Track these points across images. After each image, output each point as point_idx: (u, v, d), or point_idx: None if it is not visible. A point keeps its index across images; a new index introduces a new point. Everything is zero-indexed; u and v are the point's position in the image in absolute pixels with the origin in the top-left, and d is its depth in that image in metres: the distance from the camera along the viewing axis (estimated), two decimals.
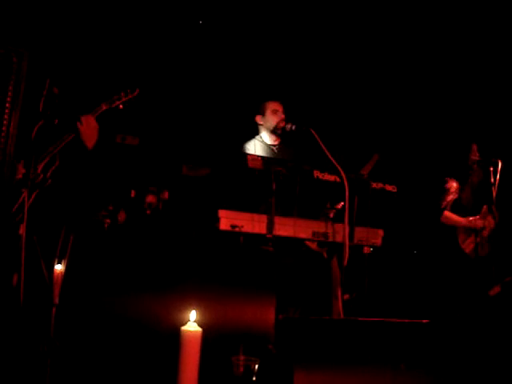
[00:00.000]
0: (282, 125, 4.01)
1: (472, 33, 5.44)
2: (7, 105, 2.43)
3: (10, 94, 2.44)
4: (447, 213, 4.78)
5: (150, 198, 5.09)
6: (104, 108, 3.55)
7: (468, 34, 5.46)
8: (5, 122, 2.41)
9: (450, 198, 4.89)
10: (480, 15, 5.28)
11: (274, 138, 4.19)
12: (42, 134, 3.09)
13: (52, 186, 3.40)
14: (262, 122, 4.21)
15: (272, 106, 4.18)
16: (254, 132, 4.28)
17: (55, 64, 3.55)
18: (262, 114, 4.20)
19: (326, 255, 3.55)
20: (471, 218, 4.77)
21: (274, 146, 4.19)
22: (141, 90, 3.76)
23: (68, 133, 3.44)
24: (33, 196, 3.32)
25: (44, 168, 3.39)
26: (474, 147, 4.85)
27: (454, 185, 4.90)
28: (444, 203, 4.84)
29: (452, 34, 5.48)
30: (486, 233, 4.74)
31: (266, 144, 4.17)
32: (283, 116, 4.12)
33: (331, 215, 3.69)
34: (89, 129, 3.46)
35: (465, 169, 4.89)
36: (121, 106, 3.56)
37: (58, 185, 3.43)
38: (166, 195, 4.88)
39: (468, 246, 4.76)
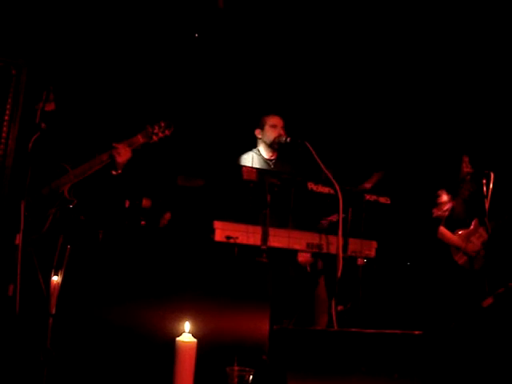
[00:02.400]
0: (278, 139, 4.00)
1: (464, 47, 5.51)
2: (6, 117, 2.44)
3: (8, 106, 2.46)
4: (442, 229, 4.83)
5: (168, 216, 5.14)
6: (141, 141, 3.48)
7: (460, 48, 5.52)
8: (3, 135, 2.42)
9: (445, 208, 4.94)
10: (470, 28, 5.35)
11: (271, 152, 4.19)
12: (39, 146, 3.09)
13: (76, 206, 3.35)
14: (260, 136, 4.20)
15: (271, 120, 4.16)
16: (251, 145, 4.29)
17: (54, 76, 3.55)
18: (261, 127, 4.19)
19: (309, 269, 3.55)
20: (461, 232, 4.83)
21: (271, 160, 4.20)
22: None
23: (106, 155, 3.38)
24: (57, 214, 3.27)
25: (70, 189, 3.33)
26: (466, 159, 4.90)
27: (445, 197, 4.95)
28: (437, 214, 4.89)
29: (444, 48, 5.55)
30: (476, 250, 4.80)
31: (262, 158, 4.18)
32: (282, 132, 4.10)
33: (325, 225, 3.72)
34: (125, 160, 3.43)
35: (457, 181, 4.93)
36: (155, 138, 3.49)
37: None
38: (147, 203, 4.94)
39: (460, 258, 4.80)
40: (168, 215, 5.12)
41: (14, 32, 3.49)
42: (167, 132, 3.54)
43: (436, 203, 4.98)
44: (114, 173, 3.46)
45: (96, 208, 3.92)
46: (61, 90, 3.31)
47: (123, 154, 3.38)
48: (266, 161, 4.18)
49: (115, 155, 3.37)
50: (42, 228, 3.17)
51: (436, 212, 4.97)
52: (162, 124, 3.53)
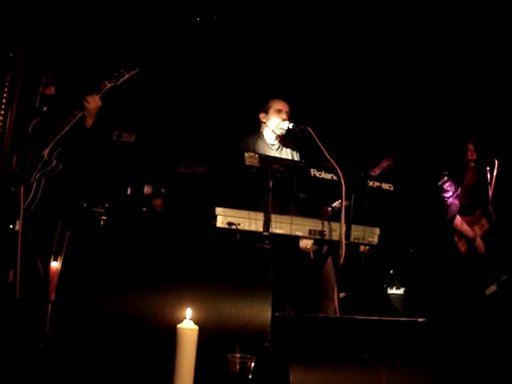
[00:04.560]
0: (281, 125, 3.95)
1: (470, 32, 5.45)
2: (4, 100, 2.41)
3: (6, 89, 2.42)
4: (458, 219, 4.77)
5: (158, 202, 5.13)
6: (108, 86, 3.54)
7: (466, 33, 5.46)
8: (1, 118, 2.39)
9: (448, 195, 4.91)
10: (478, 15, 5.29)
11: (274, 137, 4.13)
12: (38, 130, 3.08)
13: (61, 172, 3.43)
14: (264, 120, 4.13)
15: (276, 105, 4.08)
16: (254, 130, 4.23)
17: (52, 59, 3.55)
18: (266, 111, 4.13)
19: (312, 256, 3.53)
20: (464, 219, 4.81)
21: (273, 145, 4.15)
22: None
23: (77, 109, 3.47)
24: (42, 182, 3.34)
25: (50, 152, 3.42)
26: (471, 146, 4.86)
27: (448, 182, 4.92)
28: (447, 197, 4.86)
29: (450, 34, 5.49)
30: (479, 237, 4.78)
31: (265, 142, 4.13)
32: (286, 117, 4.03)
33: (329, 212, 3.70)
34: (94, 108, 3.50)
35: (461, 168, 4.90)
36: (120, 80, 3.55)
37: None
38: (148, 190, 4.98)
39: (462, 245, 4.78)
40: (158, 201, 5.10)
41: (13, 14, 3.46)
42: (133, 72, 3.60)
43: (442, 190, 4.94)
44: (87, 126, 3.55)
45: (95, 191, 3.93)
46: (58, 71, 3.33)
47: (92, 101, 3.47)
48: (269, 145, 4.13)
49: (84, 104, 3.46)
50: (28, 198, 3.23)
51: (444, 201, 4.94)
52: (127, 66, 3.59)
